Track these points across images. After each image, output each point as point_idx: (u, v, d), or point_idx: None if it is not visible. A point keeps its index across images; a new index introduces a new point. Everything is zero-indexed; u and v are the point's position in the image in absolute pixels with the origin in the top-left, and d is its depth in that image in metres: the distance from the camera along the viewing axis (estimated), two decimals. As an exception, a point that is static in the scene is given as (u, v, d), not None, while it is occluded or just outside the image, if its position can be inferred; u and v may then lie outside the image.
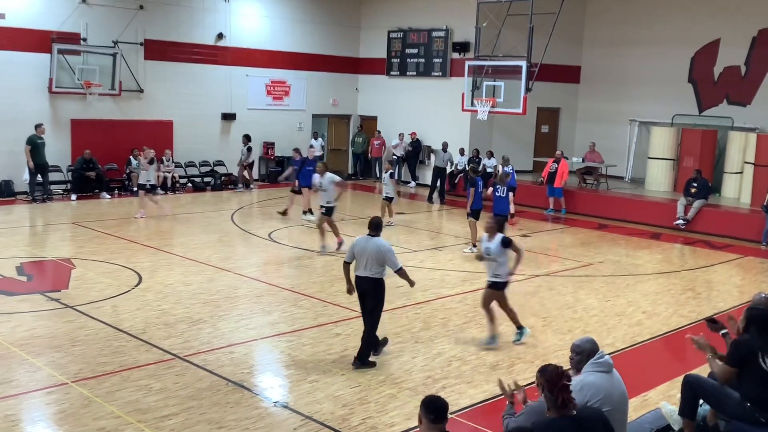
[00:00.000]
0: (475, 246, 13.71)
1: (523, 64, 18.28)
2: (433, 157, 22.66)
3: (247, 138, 21.41)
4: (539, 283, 11.98)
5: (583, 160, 21.12)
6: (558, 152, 19.65)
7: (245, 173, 21.52)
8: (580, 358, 5.16)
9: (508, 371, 8.00)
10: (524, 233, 16.41)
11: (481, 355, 8.46)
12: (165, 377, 7.41)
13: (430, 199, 20.79)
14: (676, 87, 21.40)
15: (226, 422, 6.46)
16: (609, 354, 8.02)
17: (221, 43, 21.82)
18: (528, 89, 18.49)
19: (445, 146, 21.36)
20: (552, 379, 4.41)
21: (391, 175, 16.78)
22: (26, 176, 17.97)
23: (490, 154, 21.33)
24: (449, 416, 4.35)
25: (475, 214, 14.40)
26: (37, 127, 17.65)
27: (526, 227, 17.21)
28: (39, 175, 17.82)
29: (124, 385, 7.18)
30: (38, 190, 17.92)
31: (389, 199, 16.48)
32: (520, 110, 18.82)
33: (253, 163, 22.02)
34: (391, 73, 24.24)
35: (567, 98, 24.15)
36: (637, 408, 7.00)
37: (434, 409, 4.23)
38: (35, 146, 17.51)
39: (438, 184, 21.02)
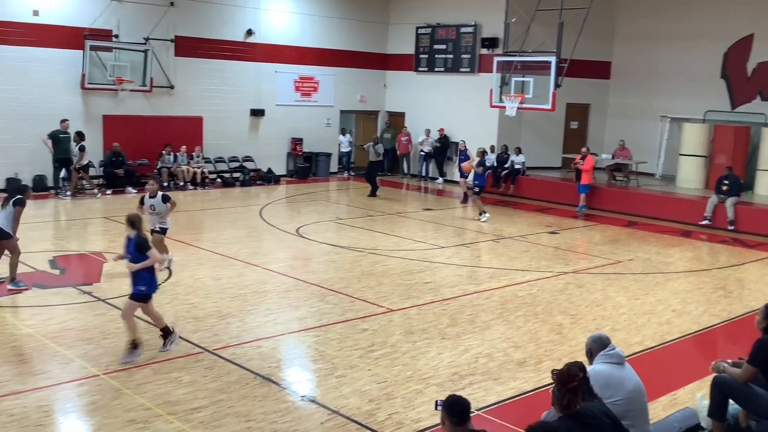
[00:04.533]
0: (483, 213, 16.83)
1: (553, 59, 18.12)
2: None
3: (79, 136, 18.01)
4: (568, 281, 11.90)
5: (613, 157, 20.91)
6: (584, 149, 19.46)
7: (80, 176, 18.31)
8: (586, 353, 5.36)
9: (536, 368, 7.97)
10: (552, 230, 16.31)
11: (509, 352, 8.44)
12: (194, 370, 7.49)
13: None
14: (708, 83, 21.07)
15: (254, 415, 6.52)
16: (638, 352, 7.95)
17: (250, 40, 21.95)
18: (557, 85, 18.34)
19: (376, 140, 21.00)
20: (563, 378, 4.43)
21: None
22: (63, 173, 18.30)
23: (518, 151, 21.24)
24: (476, 412, 4.35)
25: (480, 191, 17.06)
26: (62, 122, 17.93)
27: (554, 224, 17.10)
28: (64, 170, 18.12)
29: (154, 377, 7.27)
30: (64, 185, 18.21)
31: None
32: (549, 106, 18.67)
33: (88, 165, 18.44)
34: (419, 69, 24.20)
35: (597, 94, 23.90)
36: (666, 407, 6.93)
37: (457, 411, 4.22)
38: (57, 140, 17.79)
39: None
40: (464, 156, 19.31)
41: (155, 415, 6.43)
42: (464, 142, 20.95)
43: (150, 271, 7.85)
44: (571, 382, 4.38)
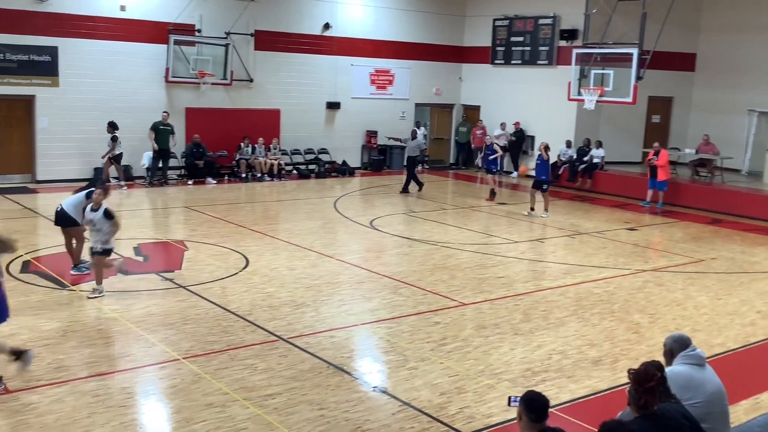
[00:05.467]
0: (533, 210, 16.58)
1: (635, 51, 17.66)
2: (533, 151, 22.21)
3: (111, 126, 17.88)
4: (646, 279, 11.60)
5: (697, 152, 20.21)
6: (655, 144, 18.85)
7: (115, 168, 18.17)
8: (665, 353, 5.18)
9: (611, 367, 7.81)
10: (631, 226, 15.91)
11: (584, 350, 8.30)
12: (269, 358, 7.66)
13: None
14: (800, 75, 20.13)
15: (327, 404, 6.62)
16: (719, 354, 7.71)
17: (327, 33, 22.18)
18: (639, 77, 17.85)
19: (414, 134, 20.15)
20: (639, 377, 4.34)
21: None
22: (144, 161, 18.97)
23: (599, 144, 20.79)
24: (549, 410, 4.30)
25: (536, 185, 16.55)
26: (163, 113, 18.72)
27: (633, 220, 16.68)
28: (161, 160, 18.77)
29: (231, 363, 7.47)
30: (157, 174, 18.86)
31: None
32: (630, 99, 18.22)
33: (120, 155, 18.14)
34: (496, 61, 23.95)
35: (681, 87, 23.14)
36: (747, 411, 6.70)
37: (536, 408, 4.17)
38: (158, 132, 18.49)
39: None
40: (490, 151, 18.43)
41: (232, 400, 6.61)
42: (490, 137, 19.54)
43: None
44: (648, 382, 4.29)
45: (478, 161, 24.19)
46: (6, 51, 17.38)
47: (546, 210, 16.60)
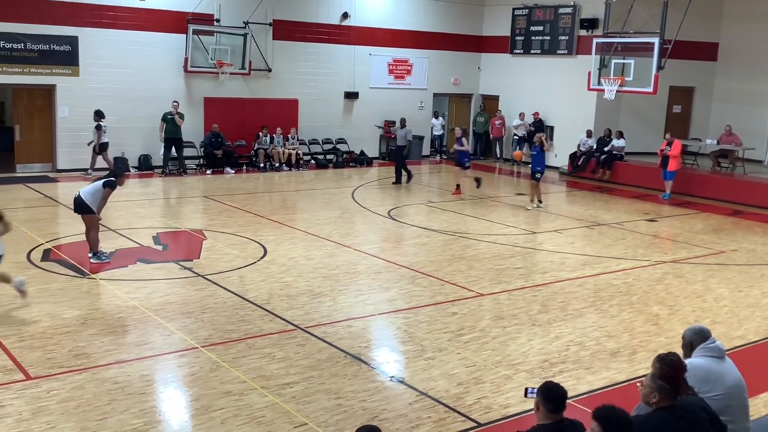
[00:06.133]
0: (533, 201, 16.15)
1: (656, 40, 17.46)
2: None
3: (98, 115, 17.65)
4: (666, 270, 11.51)
5: (718, 143, 19.99)
6: (668, 135, 18.66)
7: (102, 157, 17.79)
8: (684, 345, 5.13)
9: (629, 359, 7.77)
10: (651, 217, 15.79)
11: (602, 342, 8.26)
12: (287, 347, 7.69)
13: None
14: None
15: (344, 393, 6.65)
16: (739, 347, 7.65)
17: (346, 23, 22.13)
18: (660, 67, 17.66)
19: (403, 122, 19.67)
20: (675, 366, 4.31)
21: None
22: (162, 151, 19.09)
23: (620, 134, 20.62)
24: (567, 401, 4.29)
25: (532, 176, 16.15)
26: (172, 103, 18.70)
27: (652, 211, 16.55)
28: (173, 150, 18.86)
29: (249, 352, 7.52)
30: (173, 163, 18.96)
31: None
32: (650, 89, 18.03)
33: (106, 144, 17.76)
34: (515, 51, 23.79)
35: (702, 77, 22.88)
36: (767, 404, 6.65)
37: (554, 398, 4.16)
38: (166, 121, 18.54)
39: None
40: (459, 143, 17.29)
41: (250, 388, 6.66)
42: (460, 129, 17.85)
43: None
44: (683, 370, 4.26)
45: (498, 151, 24.17)
46: (27, 41, 17.52)
47: (539, 201, 16.27)
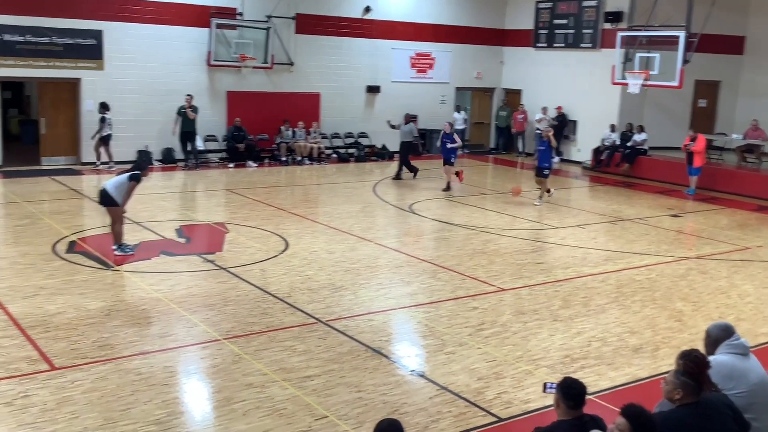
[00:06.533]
0: (541, 198, 15.85)
1: (682, 34, 17.27)
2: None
3: (103, 107, 17.88)
4: (690, 266, 11.39)
5: (744, 137, 19.73)
6: (690, 131, 18.43)
7: (102, 149, 18.04)
8: (707, 342, 5.05)
9: (652, 355, 7.72)
10: (675, 212, 15.63)
11: (624, 338, 8.20)
12: (308, 340, 7.73)
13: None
14: None
15: (365, 386, 6.67)
16: (764, 344, 7.55)
17: (368, 17, 22.11)
18: (686, 61, 17.47)
19: (407, 119, 19.16)
20: (699, 362, 4.29)
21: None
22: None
23: (641, 129, 20.43)
24: (588, 397, 4.27)
25: (538, 172, 15.88)
26: (186, 97, 18.71)
27: (676, 206, 16.38)
28: (188, 143, 18.93)
29: (271, 344, 7.56)
30: (189, 157, 19.06)
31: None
32: (676, 83, 17.84)
33: (109, 136, 18.00)
34: (538, 44, 23.62)
35: (728, 71, 22.57)
36: (794, 403, 6.55)
37: (574, 395, 4.14)
38: (180, 115, 18.62)
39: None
40: (449, 139, 16.91)
41: (271, 381, 6.70)
42: (449, 124, 17.63)
43: None
44: (706, 366, 4.24)
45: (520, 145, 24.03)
46: (53, 35, 17.70)
47: (546, 191, 16.01)
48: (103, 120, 17.79)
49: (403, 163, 18.58)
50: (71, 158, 18.75)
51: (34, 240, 11.31)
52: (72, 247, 11.00)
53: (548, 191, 16.10)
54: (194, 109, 18.67)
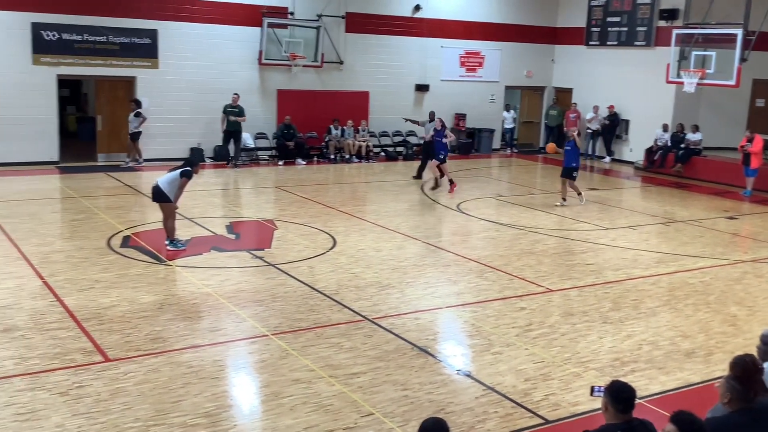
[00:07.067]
0: (565, 199, 15.41)
1: (739, 31, 16.82)
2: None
3: (135, 103, 18.18)
4: (745, 269, 11.10)
5: (804, 138, 19.11)
6: (747, 131, 17.90)
7: (132, 145, 18.37)
8: (762, 347, 4.94)
9: (705, 360, 7.54)
10: (731, 215, 15.24)
11: (676, 342, 8.03)
12: (355, 337, 7.76)
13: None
14: None
15: (411, 385, 6.67)
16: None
17: (418, 15, 22.07)
18: (743, 59, 17.01)
19: (432, 116, 18.42)
20: (750, 368, 4.19)
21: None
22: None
23: (695, 128, 19.97)
24: (638, 401, 4.21)
25: (565, 173, 15.35)
26: (233, 96, 18.84)
27: (732, 208, 15.97)
28: (232, 142, 18.98)
29: (318, 341, 7.62)
30: (230, 156, 19.20)
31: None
32: (732, 82, 17.39)
33: (139, 134, 18.23)
34: (590, 43, 23.26)
35: (789, 69, 21.89)
36: None
37: (623, 399, 4.07)
38: (226, 114, 18.73)
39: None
40: (440, 135, 16.48)
41: (318, 377, 6.75)
42: (440, 120, 16.96)
43: None
44: (759, 372, 4.14)
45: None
46: (109, 34, 18.13)
47: (563, 198, 15.40)
48: (137, 115, 18.03)
49: (425, 163, 18.07)
50: (126, 155, 19.14)
51: (89, 234, 11.60)
52: (126, 242, 11.25)
53: (564, 199, 15.46)
54: (240, 111, 18.65)
